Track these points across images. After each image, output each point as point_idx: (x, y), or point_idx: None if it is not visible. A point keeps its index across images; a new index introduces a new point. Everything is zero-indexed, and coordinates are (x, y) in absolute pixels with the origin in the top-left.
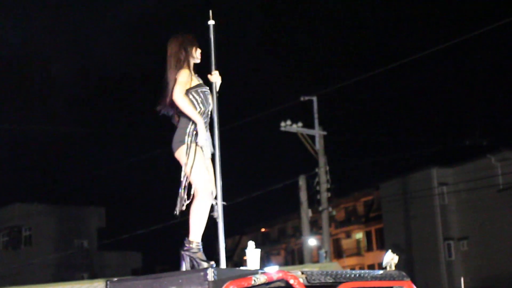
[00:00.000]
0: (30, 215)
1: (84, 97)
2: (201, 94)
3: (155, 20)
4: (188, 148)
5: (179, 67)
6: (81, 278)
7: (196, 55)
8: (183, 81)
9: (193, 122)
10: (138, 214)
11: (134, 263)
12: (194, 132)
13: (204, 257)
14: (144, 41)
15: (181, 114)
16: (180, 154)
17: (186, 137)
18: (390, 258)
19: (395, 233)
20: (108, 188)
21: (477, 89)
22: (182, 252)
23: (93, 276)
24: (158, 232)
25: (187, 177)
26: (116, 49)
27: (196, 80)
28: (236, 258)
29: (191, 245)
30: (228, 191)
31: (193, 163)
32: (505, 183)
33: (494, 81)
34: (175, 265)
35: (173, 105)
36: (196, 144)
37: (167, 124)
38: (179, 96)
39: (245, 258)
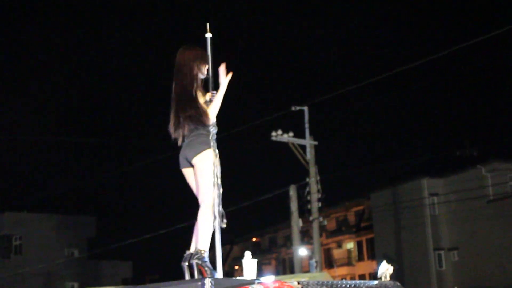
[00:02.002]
0: (21, 224)
1: (77, 106)
2: None
3: (153, 33)
4: (214, 155)
5: (191, 83)
6: (71, 287)
7: (204, 71)
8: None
9: (212, 134)
10: (128, 224)
11: (125, 272)
12: (214, 140)
13: (211, 266)
14: (141, 52)
15: (197, 126)
16: (202, 158)
17: (211, 143)
18: (385, 269)
19: (386, 243)
20: (98, 197)
21: (468, 99)
22: (192, 261)
23: (83, 285)
24: (149, 241)
25: (216, 183)
26: (112, 58)
27: (204, 97)
28: (227, 267)
29: (202, 254)
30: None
31: (217, 173)
32: (495, 194)
33: (485, 92)
34: (165, 275)
35: (184, 122)
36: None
37: (158, 135)
38: (211, 115)
39: (236, 267)
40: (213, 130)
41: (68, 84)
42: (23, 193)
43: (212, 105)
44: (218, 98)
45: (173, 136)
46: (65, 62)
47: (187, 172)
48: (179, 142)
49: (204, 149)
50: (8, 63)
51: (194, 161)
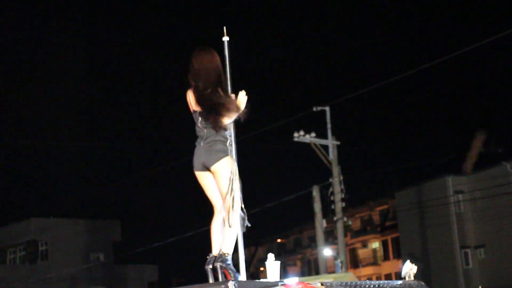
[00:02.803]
0: (46, 230)
1: (102, 110)
2: None
3: (169, 37)
4: (232, 162)
5: (218, 85)
6: None
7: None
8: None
9: (230, 139)
10: (153, 227)
11: (151, 276)
12: (231, 147)
13: (234, 269)
14: (157, 55)
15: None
16: (222, 165)
17: (228, 150)
18: (409, 268)
19: (411, 242)
20: (123, 201)
21: (492, 96)
22: (216, 264)
23: None
24: (174, 244)
25: (232, 189)
26: (132, 62)
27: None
28: (252, 269)
29: (226, 257)
30: (243, 201)
31: (236, 176)
32: None
33: (509, 88)
34: (191, 278)
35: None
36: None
37: (182, 137)
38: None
39: (261, 269)
40: (229, 133)
41: (92, 89)
42: (49, 199)
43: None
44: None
45: (198, 134)
46: (89, 66)
47: (201, 175)
48: (199, 143)
49: (221, 157)
50: (32, 69)
51: (213, 169)
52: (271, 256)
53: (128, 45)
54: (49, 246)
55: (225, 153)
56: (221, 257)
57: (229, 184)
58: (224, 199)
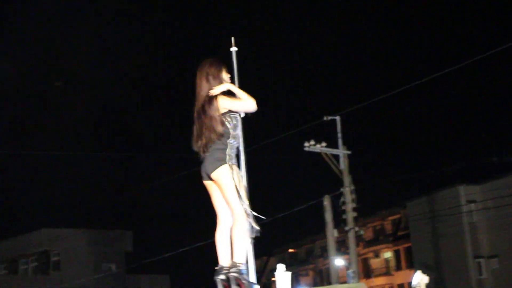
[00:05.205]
0: (58, 240)
1: (112, 121)
2: (234, 119)
3: (178, 48)
4: (231, 169)
5: (210, 94)
6: None
7: (226, 79)
8: (231, 99)
9: (231, 146)
10: (165, 237)
11: (162, 286)
12: (234, 156)
13: (248, 278)
14: (166, 66)
15: (217, 137)
16: (220, 174)
17: (227, 158)
18: (420, 279)
19: (424, 251)
20: (135, 211)
21: (503, 105)
22: (229, 274)
23: None
24: (186, 254)
25: (238, 197)
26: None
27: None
28: (264, 279)
29: (239, 267)
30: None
31: (237, 185)
32: None
33: None
34: None
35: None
36: (235, 167)
37: (192, 147)
38: (250, 102)
39: (273, 279)
40: (234, 142)
41: (103, 99)
42: (60, 209)
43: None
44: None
45: (194, 148)
46: (104, 76)
47: (207, 184)
48: (200, 154)
49: (219, 166)
50: (47, 81)
51: (213, 177)
52: (281, 267)
53: (140, 54)
54: (61, 257)
55: (223, 161)
56: (235, 267)
57: (233, 193)
58: (230, 207)
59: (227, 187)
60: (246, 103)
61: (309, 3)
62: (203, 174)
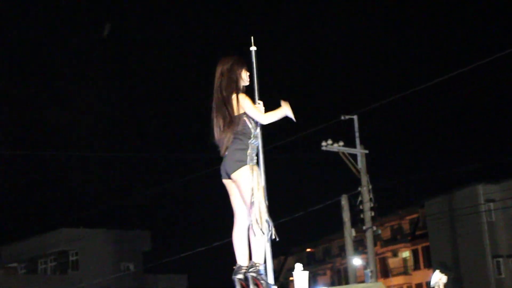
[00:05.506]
0: (77, 240)
1: (131, 121)
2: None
3: (197, 47)
4: (252, 170)
5: (231, 89)
6: None
7: (245, 77)
8: (252, 105)
9: (252, 147)
10: (183, 237)
11: (180, 285)
12: (254, 156)
13: (266, 279)
14: (183, 66)
15: (237, 137)
16: (240, 175)
17: (248, 158)
18: (438, 278)
19: (442, 251)
20: (153, 211)
21: None
22: (248, 274)
23: None
24: (204, 254)
25: (256, 198)
26: (158, 72)
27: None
28: (282, 279)
29: (258, 267)
30: (271, 211)
31: (258, 185)
32: None
33: None
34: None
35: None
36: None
37: (212, 146)
38: (262, 118)
39: (291, 279)
40: (255, 142)
41: (121, 99)
42: (78, 209)
43: (262, 116)
44: (272, 115)
45: (214, 142)
46: (116, 78)
47: (226, 183)
48: (222, 153)
49: (239, 167)
50: (62, 83)
51: (233, 177)
52: (298, 266)
53: (154, 54)
54: (79, 256)
55: (244, 162)
56: (253, 267)
57: (252, 194)
58: (248, 208)
59: (246, 189)
60: (260, 117)
61: (326, 3)
62: (223, 173)
